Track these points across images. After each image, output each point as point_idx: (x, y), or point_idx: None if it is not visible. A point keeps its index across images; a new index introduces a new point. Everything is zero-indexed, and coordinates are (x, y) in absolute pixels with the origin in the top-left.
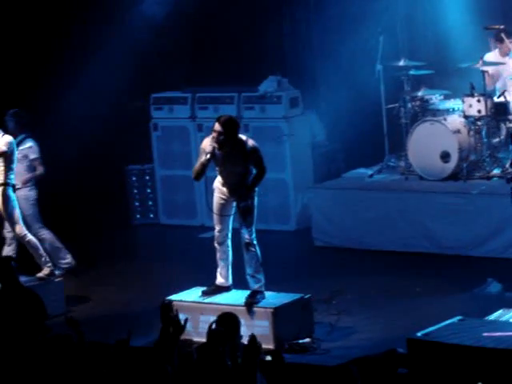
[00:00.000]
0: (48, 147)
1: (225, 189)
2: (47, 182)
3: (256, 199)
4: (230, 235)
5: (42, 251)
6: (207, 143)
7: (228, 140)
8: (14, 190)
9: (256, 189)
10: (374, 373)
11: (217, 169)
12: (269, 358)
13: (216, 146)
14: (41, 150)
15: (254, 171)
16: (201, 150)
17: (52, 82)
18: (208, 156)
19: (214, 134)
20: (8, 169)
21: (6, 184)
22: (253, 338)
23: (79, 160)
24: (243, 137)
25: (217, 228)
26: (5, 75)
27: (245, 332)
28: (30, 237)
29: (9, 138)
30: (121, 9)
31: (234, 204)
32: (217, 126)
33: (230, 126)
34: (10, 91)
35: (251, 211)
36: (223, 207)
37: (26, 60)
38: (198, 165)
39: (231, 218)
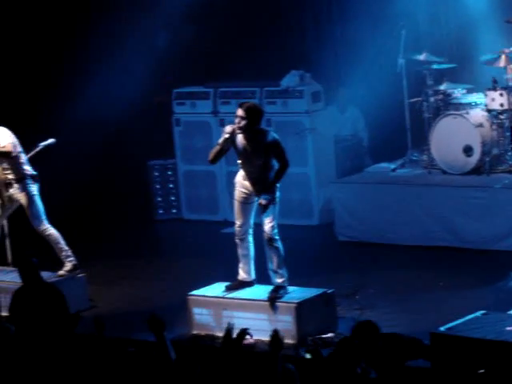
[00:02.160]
0: (71, 144)
1: (247, 182)
2: (71, 179)
3: (278, 194)
4: (251, 231)
5: (63, 245)
6: (229, 127)
7: (249, 126)
8: (35, 180)
9: (278, 184)
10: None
11: (239, 162)
12: (308, 356)
13: (237, 129)
14: (64, 147)
15: (277, 165)
16: (222, 134)
17: (72, 78)
18: (226, 136)
19: (236, 120)
20: (21, 161)
21: (24, 177)
22: (275, 333)
23: (102, 156)
24: (266, 128)
25: (237, 223)
26: (31, 70)
27: (268, 327)
28: (51, 231)
29: (7, 133)
30: (143, 4)
31: (256, 198)
32: (239, 111)
33: (253, 112)
34: (35, 88)
35: (273, 206)
36: (245, 201)
37: (49, 57)
38: (215, 146)
39: (253, 212)
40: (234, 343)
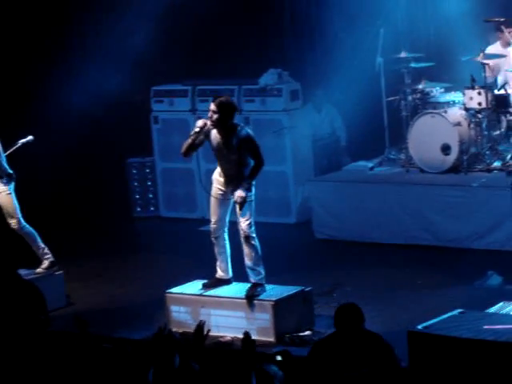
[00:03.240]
0: (48, 141)
1: (222, 179)
2: (49, 176)
3: (254, 191)
4: (226, 229)
5: (39, 243)
6: (201, 121)
7: (222, 121)
8: (12, 179)
9: (253, 181)
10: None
11: (216, 158)
12: (279, 358)
13: (209, 123)
14: (43, 144)
15: (252, 163)
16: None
17: (51, 76)
18: (197, 129)
19: (209, 114)
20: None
21: (1, 175)
22: (246, 334)
23: (80, 153)
24: (240, 124)
25: (212, 220)
26: (8, 69)
27: (245, 325)
28: (27, 229)
29: None
30: (120, 2)
31: (231, 196)
32: (212, 106)
33: (225, 107)
34: (12, 86)
35: (249, 203)
36: (221, 199)
37: (24, 54)
38: (187, 139)
39: (228, 210)
40: (197, 338)
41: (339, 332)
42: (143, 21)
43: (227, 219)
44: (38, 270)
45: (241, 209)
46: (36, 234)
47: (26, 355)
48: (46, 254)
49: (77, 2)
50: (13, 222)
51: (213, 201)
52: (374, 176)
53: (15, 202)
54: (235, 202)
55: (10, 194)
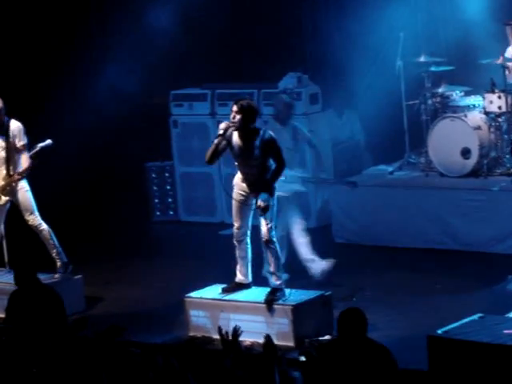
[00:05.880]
0: (68, 145)
1: (244, 184)
2: (68, 180)
3: (276, 195)
4: (248, 232)
5: (55, 242)
6: (223, 123)
7: (244, 122)
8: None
9: (276, 185)
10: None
11: (236, 164)
12: (303, 358)
13: (231, 124)
14: (62, 148)
15: (273, 166)
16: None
17: (72, 79)
18: (220, 132)
19: (231, 115)
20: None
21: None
22: (268, 338)
23: (99, 157)
24: (261, 127)
25: (236, 225)
26: (29, 71)
27: (265, 329)
28: (44, 226)
29: (20, 125)
30: (141, 5)
31: (254, 200)
32: (234, 107)
33: (247, 108)
34: (32, 88)
35: (271, 207)
36: (243, 203)
37: (48, 58)
38: (211, 146)
39: (251, 214)
40: (231, 344)
41: (341, 338)
42: (162, 25)
43: (250, 223)
44: (57, 275)
45: (263, 214)
46: (52, 233)
47: (50, 359)
48: (60, 253)
49: (97, 4)
50: (31, 219)
51: (235, 205)
52: (394, 180)
53: (32, 199)
54: (258, 208)
55: (27, 190)
